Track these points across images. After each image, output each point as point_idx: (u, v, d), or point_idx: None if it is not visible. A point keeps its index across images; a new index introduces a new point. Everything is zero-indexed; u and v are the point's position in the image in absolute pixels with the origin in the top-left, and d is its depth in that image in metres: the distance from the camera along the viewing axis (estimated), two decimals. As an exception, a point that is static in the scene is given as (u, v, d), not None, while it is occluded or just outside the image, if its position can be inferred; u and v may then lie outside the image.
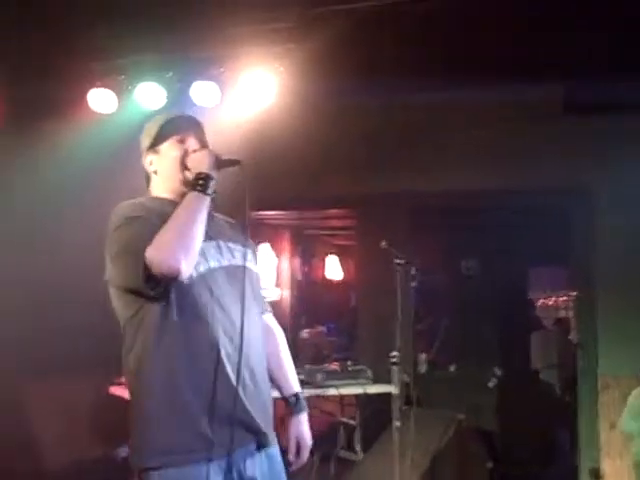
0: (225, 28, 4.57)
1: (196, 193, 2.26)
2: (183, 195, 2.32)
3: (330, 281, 10.48)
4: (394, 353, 4.37)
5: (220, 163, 2.35)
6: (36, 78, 4.74)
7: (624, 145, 5.33)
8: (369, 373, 5.14)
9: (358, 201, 6.37)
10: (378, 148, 5.78)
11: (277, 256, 9.28)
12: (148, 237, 2.15)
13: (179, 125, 2.47)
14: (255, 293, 2.46)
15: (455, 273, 6.71)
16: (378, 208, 6.20)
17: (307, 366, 5.17)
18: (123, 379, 5.19)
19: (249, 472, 2.28)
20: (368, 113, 5.54)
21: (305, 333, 8.27)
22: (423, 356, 6.29)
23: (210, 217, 2.34)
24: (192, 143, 2.44)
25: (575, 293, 6.24)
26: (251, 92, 4.69)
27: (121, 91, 4.89)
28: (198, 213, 2.23)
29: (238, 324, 2.26)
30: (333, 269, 10.55)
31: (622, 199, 5.42)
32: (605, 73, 4.76)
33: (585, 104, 5.32)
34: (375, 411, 5.07)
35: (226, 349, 2.23)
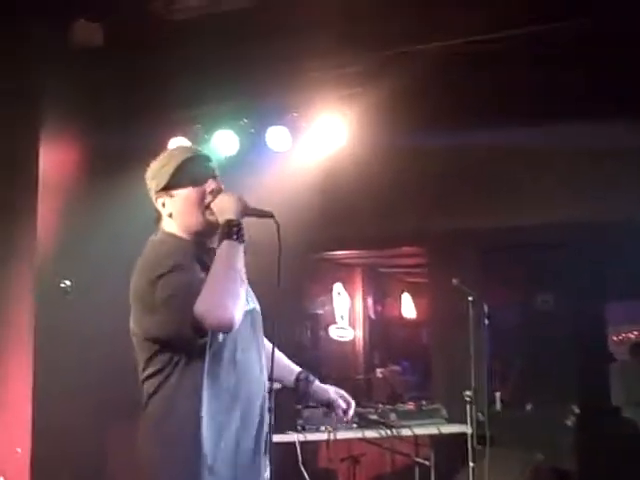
0: (296, 74, 4.75)
1: (231, 242, 2.18)
2: (201, 234, 2.31)
3: (404, 319, 10.46)
4: (468, 392, 4.36)
5: (248, 211, 2.26)
6: (117, 129, 4.94)
7: None
8: (444, 412, 5.11)
9: (429, 239, 6.43)
10: (447, 187, 5.84)
11: (350, 295, 9.34)
12: (196, 286, 2.11)
13: (197, 168, 2.35)
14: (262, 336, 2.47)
15: (530, 309, 6.64)
16: (449, 246, 6.24)
17: (381, 406, 5.18)
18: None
19: None
20: (436, 154, 5.60)
21: (379, 372, 8.26)
22: (498, 394, 6.22)
23: None
24: (210, 182, 2.33)
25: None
26: (322, 136, 4.83)
27: (197, 140, 5.09)
28: (237, 262, 2.18)
29: (257, 372, 2.30)
30: (407, 307, 10.54)
31: None
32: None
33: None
34: (450, 451, 5.03)
35: (250, 400, 2.27)
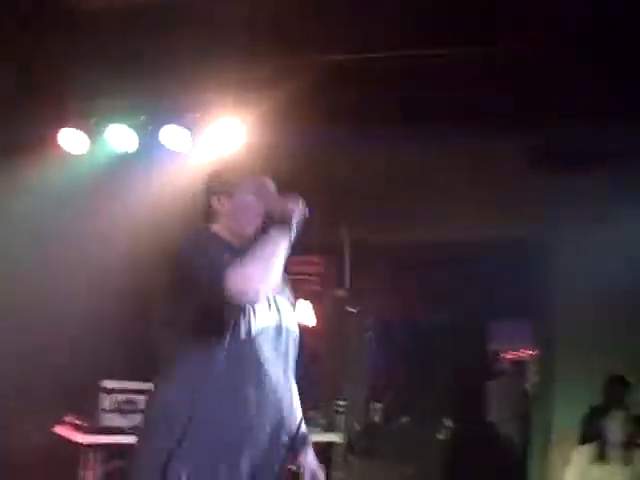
0: (199, 75, 4.71)
1: (283, 229, 2.17)
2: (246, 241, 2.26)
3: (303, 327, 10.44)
4: (341, 402, 4.39)
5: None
6: (7, 116, 4.81)
7: (583, 202, 5.52)
8: (321, 421, 5.16)
9: (325, 248, 6.45)
10: (345, 196, 5.89)
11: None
12: (227, 260, 2.05)
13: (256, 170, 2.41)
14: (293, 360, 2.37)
15: (416, 323, 6.80)
16: (342, 256, 6.29)
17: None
18: (69, 417, 5.15)
19: None
20: (336, 162, 5.67)
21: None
22: (377, 405, 6.33)
23: None
24: (269, 185, 2.37)
25: (534, 346, 6.36)
26: (221, 138, 4.81)
27: (92, 133, 4.99)
28: (283, 249, 2.15)
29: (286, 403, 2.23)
30: (303, 314, 10.56)
31: (582, 257, 5.58)
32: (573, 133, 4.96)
33: (550, 162, 5.52)
34: (324, 460, 5.07)
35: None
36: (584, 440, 4.89)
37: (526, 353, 8.35)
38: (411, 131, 4.86)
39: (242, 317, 2.14)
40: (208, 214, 2.37)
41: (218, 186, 2.34)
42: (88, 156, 5.01)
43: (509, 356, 8.86)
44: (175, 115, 4.94)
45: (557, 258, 5.68)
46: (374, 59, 4.34)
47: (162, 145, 4.89)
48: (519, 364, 7.87)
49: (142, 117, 5.01)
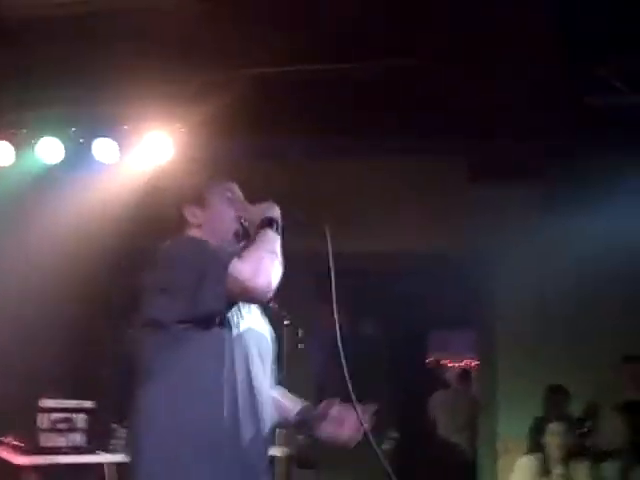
0: (129, 87, 4.66)
1: (272, 232, 2.18)
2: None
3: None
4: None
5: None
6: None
7: (518, 213, 5.57)
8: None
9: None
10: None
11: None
12: (227, 260, 2.03)
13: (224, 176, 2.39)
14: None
15: (353, 335, 6.77)
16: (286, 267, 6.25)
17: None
18: (7, 438, 5.05)
19: None
20: (264, 173, 5.64)
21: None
22: (321, 418, 6.25)
23: None
24: (237, 191, 2.38)
25: (476, 356, 6.38)
26: (150, 150, 4.77)
27: (21, 144, 4.90)
28: (276, 246, 2.16)
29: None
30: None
31: (520, 265, 5.63)
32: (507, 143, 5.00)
33: (486, 174, 5.56)
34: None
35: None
36: (531, 450, 4.87)
37: (470, 363, 8.41)
38: (337, 141, 4.87)
39: (235, 314, 2.13)
40: (179, 225, 2.30)
41: (188, 196, 2.30)
42: (15, 168, 4.90)
43: (452, 365, 8.92)
44: (106, 127, 4.88)
45: (496, 269, 5.71)
46: (297, 72, 4.33)
47: (91, 157, 4.82)
48: (463, 374, 7.91)
49: (72, 129, 4.94)
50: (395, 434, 5.95)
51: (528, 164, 5.34)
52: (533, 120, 4.65)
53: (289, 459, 4.80)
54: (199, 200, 2.29)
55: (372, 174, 5.69)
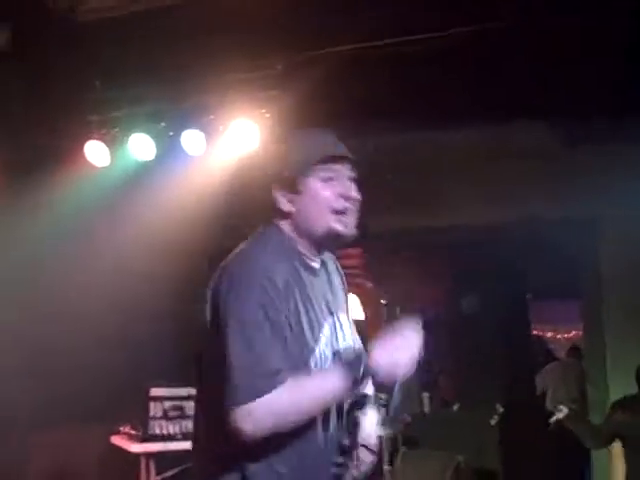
0: (212, 77, 4.70)
1: (346, 383, 1.88)
2: (320, 244, 2.06)
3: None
4: (382, 395, 4.33)
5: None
6: (34, 131, 4.86)
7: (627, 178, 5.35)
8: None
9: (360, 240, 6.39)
10: (373, 189, 5.81)
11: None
12: (274, 364, 1.83)
13: (329, 152, 2.03)
14: None
15: (455, 310, 6.67)
16: (380, 247, 6.23)
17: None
18: (125, 428, 5.25)
19: None
20: (358, 156, 5.59)
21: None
22: (426, 395, 6.24)
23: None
24: (343, 177, 2.04)
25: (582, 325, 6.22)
26: (237, 139, 4.78)
27: (115, 144, 5.01)
28: (329, 401, 1.93)
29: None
30: (353, 310, 10.53)
31: (628, 232, 5.41)
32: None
33: (584, 140, 5.36)
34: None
35: None
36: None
37: (576, 334, 8.16)
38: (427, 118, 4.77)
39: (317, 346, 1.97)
40: (274, 212, 2.06)
41: (279, 180, 2.03)
42: (111, 168, 5.03)
43: (559, 337, 8.67)
44: (193, 119, 4.93)
45: (597, 235, 5.50)
46: (386, 46, 4.25)
47: (180, 150, 4.88)
48: (573, 346, 7.66)
49: (162, 124, 5.01)
50: (501, 408, 5.86)
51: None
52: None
53: (395, 439, 4.77)
54: (292, 185, 2.01)
55: (459, 147, 5.55)
